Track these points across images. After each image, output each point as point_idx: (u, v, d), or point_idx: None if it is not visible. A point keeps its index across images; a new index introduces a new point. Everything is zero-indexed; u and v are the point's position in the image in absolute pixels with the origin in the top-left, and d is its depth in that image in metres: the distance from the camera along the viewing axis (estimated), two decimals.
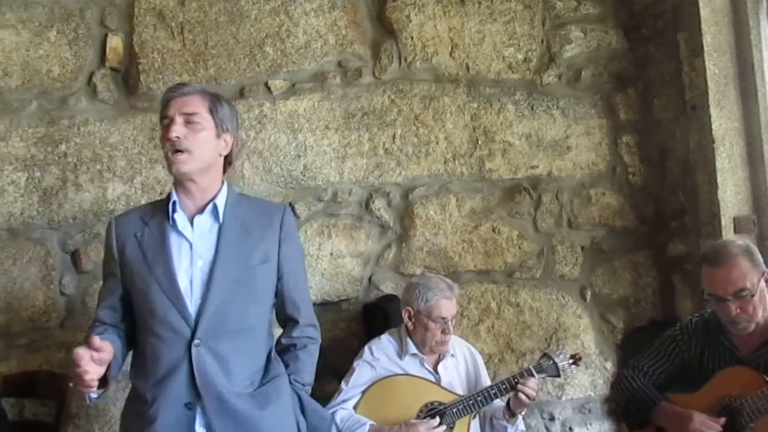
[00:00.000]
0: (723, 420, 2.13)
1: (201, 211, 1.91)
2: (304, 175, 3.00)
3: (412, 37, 3.08)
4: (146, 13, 2.95)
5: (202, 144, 1.87)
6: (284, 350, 2.02)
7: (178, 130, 1.84)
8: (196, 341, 1.81)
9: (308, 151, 3.00)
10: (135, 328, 1.94)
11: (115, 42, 2.95)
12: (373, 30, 3.10)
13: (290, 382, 1.97)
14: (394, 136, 3.05)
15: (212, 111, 1.90)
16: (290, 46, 3.01)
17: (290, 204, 2.98)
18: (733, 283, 2.11)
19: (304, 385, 2.01)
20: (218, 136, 1.91)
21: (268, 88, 3.00)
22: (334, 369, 2.95)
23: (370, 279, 3.04)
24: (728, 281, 2.11)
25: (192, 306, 1.83)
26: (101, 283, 2.05)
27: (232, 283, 1.86)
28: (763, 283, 2.13)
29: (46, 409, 2.74)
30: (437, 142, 3.07)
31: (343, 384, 2.50)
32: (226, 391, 1.82)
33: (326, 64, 3.05)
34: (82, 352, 1.67)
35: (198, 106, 1.88)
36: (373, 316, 2.93)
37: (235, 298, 1.86)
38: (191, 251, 1.87)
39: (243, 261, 1.89)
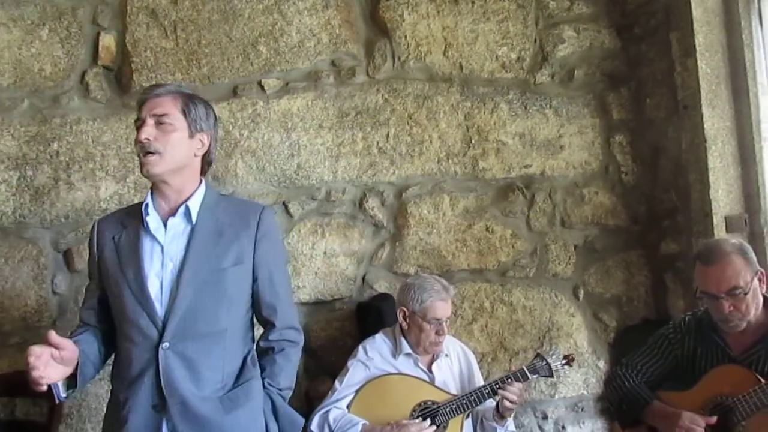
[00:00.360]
0: (714, 418, 2.14)
1: (174, 213, 1.90)
2: (298, 174, 2.99)
3: (405, 36, 3.08)
4: (139, 11, 2.94)
5: (174, 145, 1.85)
6: (262, 353, 2.00)
7: (148, 131, 1.83)
8: (164, 344, 1.81)
9: (302, 150, 3.00)
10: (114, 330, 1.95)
11: (107, 40, 2.94)
12: (367, 29, 3.10)
13: (264, 386, 1.93)
14: (387, 135, 3.05)
15: (185, 111, 1.88)
16: (284, 45, 3.01)
17: (283, 203, 2.99)
18: (726, 281, 2.12)
19: (280, 389, 1.96)
20: (191, 136, 1.89)
21: (262, 87, 3.00)
22: (327, 368, 2.96)
23: (363, 278, 3.04)
24: (722, 279, 2.12)
25: (161, 309, 1.83)
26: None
27: (201, 285, 1.84)
28: (756, 282, 2.14)
29: (38, 408, 2.73)
30: (431, 142, 3.08)
31: (336, 383, 2.50)
32: (190, 395, 1.81)
33: (320, 63, 3.04)
34: (35, 349, 1.66)
35: (169, 107, 1.87)
36: (367, 315, 2.93)
37: (204, 301, 1.84)
38: (162, 254, 1.86)
39: (213, 263, 1.86)
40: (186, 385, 1.81)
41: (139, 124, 1.86)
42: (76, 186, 2.86)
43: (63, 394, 1.79)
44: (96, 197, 2.87)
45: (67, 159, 2.86)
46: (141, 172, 1.87)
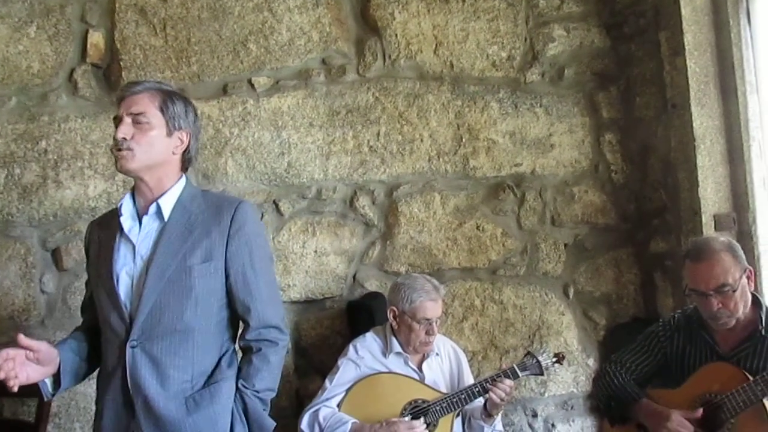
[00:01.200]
0: (700, 411, 2.15)
1: (148, 210, 1.89)
2: (288, 173, 2.99)
3: (396, 35, 3.07)
4: (128, 8, 2.92)
5: (150, 143, 1.84)
6: (243, 353, 1.96)
7: (124, 130, 1.82)
8: (131, 342, 1.80)
9: (292, 148, 2.99)
10: None
11: (96, 38, 2.92)
12: (357, 27, 3.09)
13: (238, 388, 1.88)
14: (378, 134, 3.05)
15: (162, 109, 1.86)
16: (274, 43, 3.00)
17: (274, 201, 2.98)
18: (715, 278, 2.13)
19: (257, 391, 1.90)
20: (169, 134, 1.88)
21: (252, 85, 2.99)
22: (318, 366, 2.96)
23: (354, 277, 3.04)
24: (710, 276, 2.13)
25: (130, 307, 1.83)
26: (83, 281, 2.11)
27: (166, 283, 1.82)
28: (744, 279, 2.15)
29: (26, 408, 2.72)
30: (421, 140, 3.07)
31: (327, 382, 2.50)
32: (155, 394, 1.79)
33: (310, 61, 3.04)
34: (9, 351, 1.71)
35: (146, 105, 1.85)
36: (358, 314, 2.92)
37: (170, 299, 1.82)
38: (134, 253, 1.86)
39: (180, 260, 1.83)
40: (151, 384, 1.80)
41: (117, 122, 1.85)
42: (65, 184, 2.84)
43: (50, 391, 1.85)
44: (85, 196, 2.85)
45: (55, 157, 2.84)
46: (116, 167, 1.87)
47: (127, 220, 1.88)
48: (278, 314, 1.98)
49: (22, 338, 1.71)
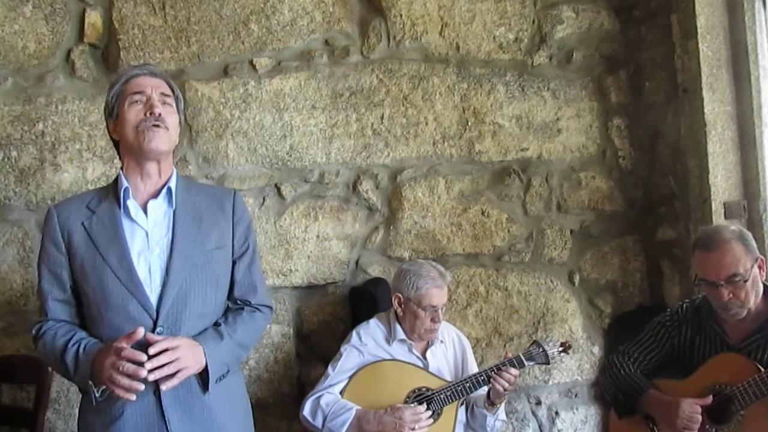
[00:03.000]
0: (710, 398, 2.13)
1: (155, 195, 1.86)
2: (290, 156, 2.94)
3: (400, 15, 3.00)
4: None
5: (175, 126, 1.88)
6: (229, 309, 1.95)
7: (161, 108, 1.83)
8: (158, 329, 1.76)
9: (294, 131, 2.94)
10: (86, 323, 1.87)
11: (93, 17, 2.85)
12: (361, 7, 3.02)
13: (217, 324, 1.87)
14: (382, 117, 2.99)
15: (176, 97, 1.92)
16: (276, 23, 2.93)
17: (275, 185, 2.93)
18: (726, 267, 2.09)
19: (236, 337, 1.87)
20: (180, 122, 1.92)
21: (253, 66, 2.92)
22: (319, 353, 2.93)
23: (357, 262, 3.00)
24: (721, 266, 2.09)
25: (152, 295, 1.78)
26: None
27: (191, 268, 1.82)
28: (755, 269, 2.11)
29: (25, 394, 2.69)
30: (426, 123, 3.02)
31: (329, 368, 2.47)
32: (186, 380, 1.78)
33: (313, 42, 2.97)
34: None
35: (168, 89, 1.89)
36: (360, 300, 2.89)
37: (194, 284, 1.82)
38: (147, 239, 1.82)
39: (199, 246, 1.85)
40: None
41: (143, 98, 1.83)
42: (63, 167, 2.79)
43: (98, 394, 1.74)
44: (83, 179, 2.80)
45: (52, 140, 2.79)
46: (144, 145, 1.80)
47: (132, 204, 1.83)
48: (269, 297, 2.09)
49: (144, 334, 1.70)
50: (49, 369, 2.46)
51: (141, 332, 1.68)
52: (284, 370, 2.93)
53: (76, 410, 2.71)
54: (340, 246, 2.97)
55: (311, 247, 2.94)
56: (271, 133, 2.92)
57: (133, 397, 1.67)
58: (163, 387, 1.70)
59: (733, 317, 2.15)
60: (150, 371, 1.66)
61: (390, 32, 3.01)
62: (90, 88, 2.84)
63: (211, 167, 2.88)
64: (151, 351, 1.67)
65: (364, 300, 2.87)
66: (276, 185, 2.93)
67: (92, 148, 2.81)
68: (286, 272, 2.91)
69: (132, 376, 1.65)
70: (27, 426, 2.48)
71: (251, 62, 2.92)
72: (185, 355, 1.72)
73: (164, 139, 1.82)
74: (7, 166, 2.76)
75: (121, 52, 2.84)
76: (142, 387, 1.66)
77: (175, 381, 1.70)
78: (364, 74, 2.99)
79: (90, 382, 1.72)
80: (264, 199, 2.92)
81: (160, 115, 1.81)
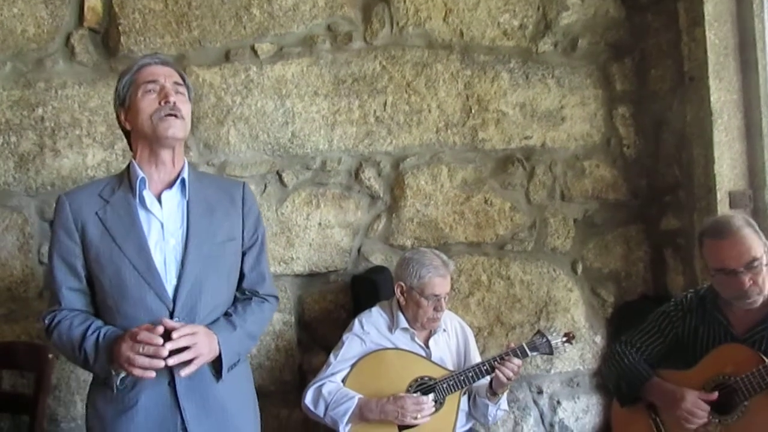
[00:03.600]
0: (715, 394, 2.12)
1: (168, 186, 1.86)
2: (292, 143, 2.91)
3: (404, 1, 2.96)
4: None
5: (188, 114, 1.88)
6: (237, 299, 1.96)
7: (177, 97, 1.83)
8: (175, 320, 1.76)
9: (296, 117, 2.91)
10: (99, 313, 1.86)
11: (93, 1, 2.81)
12: None
13: (227, 314, 1.89)
14: (384, 104, 2.96)
15: (187, 86, 1.92)
16: (278, 8, 2.89)
17: (277, 172, 2.91)
18: (744, 254, 2.06)
19: (245, 327, 1.90)
20: (191, 112, 1.93)
21: (255, 52, 2.89)
22: (321, 341, 2.92)
23: (359, 250, 2.98)
24: (740, 252, 2.07)
25: (169, 285, 1.79)
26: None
27: (205, 259, 1.83)
28: (765, 256, 2.09)
29: (26, 380, 2.68)
30: (429, 111, 2.99)
31: (331, 357, 2.46)
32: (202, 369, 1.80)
33: (315, 27, 2.94)
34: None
35: (179, 78, 1.90)
36: (362, 288, 2.88)
37: (208, 275, 1.83)
38: (162, 229, 1.82)
39: (211, 237, 1.86)
40: None
41: (156, 87, 1.83)
42: (62, 153, 2.77)
43: (119, 385, 1.76)
44: (83, 165, 2.78)
45: (52, 125, 2.76)
46: (161, 134, 1.80)
47: (148, 194, 1.83)
48: (275, 289, 2.11)
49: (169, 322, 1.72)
50: (50, 356, 2.45)
51: (161, 329, 1.68)
52: (285, 358, 2.92)
53: (77, 397, 2.75)
54: (342, 234, 2.95)
55: (313, 234, 2.93)
56: (273, 120, 2.90)
57: (153, 374, 1.67)
58: (182, 373, 1.71)
59: (751, 305, 2.11)
60: (169, 355, 1.67)
61: (393, 18, 2.98)
62: (90, 73, 2.81)
63: (212, 154, 2.86)
64: (175, 335, 1.68)
65: (365, 288, 2.85)
66: (278, 172, 2.91)
67: (92, 133, 2.79)
68: (287, 260, 2.90)
69: (152, 357, 1.66)
70: (27, 412, 2.46)
71: (253, 48, 2.89)
72: (202, 342, 1.74)
73: (180, 127, 1.82)
74: (7, 152, 2.74)
75: (122, 37, 2.80)
76: (162, 364, 1.67)
77: (192, 367, 1.72)
78: (367, 60, 2.96)
79: (112, 371, 1.74)
80: (265, 186, 2.90)
81: (175, 104, 1.81)
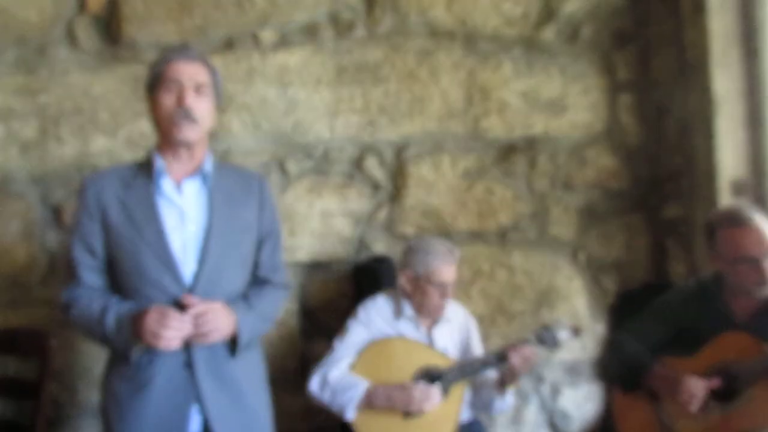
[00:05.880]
0: (717, 381, 2.12)
1: (190, 175, 1.90)
2: (295, 132, 2.91)
3: None
4: None
5: (207, 114, 1.90)
6: (253, 285, 2.01)
7: (192, 101, 1.84)
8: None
9: (299, 106, 2.91)
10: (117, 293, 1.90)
11: None
12: None
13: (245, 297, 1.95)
14: (387, 93, 2.96)
15: (214, 82, 1.93)
16: None
17: (279, 161, 2.91)
18: (765, 240, 2.07)
19: (259, 309, 1.97)
20: (215, 107, 1.95)
21: (257, 40, 2.89)
22: (323, 330, 2.92)
23: (361, 239, 2.98)
24: (759, 239, 2.07)
25: (186, 270, 1.83)
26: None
27: (225, 247, 1.88)
28: None
29: (29, 366, 2.68)
30: (432, 100, 2.98)
31: (336, 342, 2.45)
32: (218, 348, 1.86)
33: (318, 15, 2.93)
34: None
35: (205, 75, 1.90)
36: (364, 277, 2.88)
37: (227, 263, 1.89)
38: (182, 216, 1.86)
39: (231, 226, 1.91)
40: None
41: (177, 87, 1.84)
42: (65, 140, 2.77)
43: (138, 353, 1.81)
44: (86, 152, 2.78)
45: (55, 112, 2.76)
46: (174, 135, 1.84)
47: (167, 182, 1.87)
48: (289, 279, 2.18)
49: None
50: (54, 341, 2.47)
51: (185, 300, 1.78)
52: (288, 346, 2.93)
53: (80, 384, 2.76)
54: (344, 223, 2.95)
55: (315, 223, 2.93)
56: (275, 109, 2.90)
57: (177, 343, 1.73)
58: (200, 340, 1.77)
59: (762, 293, 2.12)
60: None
61: (396, 6, 2.97)
62: (92, 60, 2.81)
63: (214, 142, 2.85)
64: (192, 311, 1.76)
65: (368, 277, 2.86)
66: (280, 161, 2.91)
67: (95, 121, 2.79)
68: (289, 249, 2.89)
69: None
70: (31, 398, 2.47)
71: (255, 36, 2.89)
72: (221, 315, 1.79)
73: (192, 131, 1.84)
74: (10, 139, 2.74)
75: (124, 24, 2.80)
76: (183, 335, 1.74)
77: (209, 339, 1.77)
78: (370, 49, 2.95)
79: (132, 343, 1.78)
80: (268, 174, 2.90)
81: (189, 107, 1.83)
